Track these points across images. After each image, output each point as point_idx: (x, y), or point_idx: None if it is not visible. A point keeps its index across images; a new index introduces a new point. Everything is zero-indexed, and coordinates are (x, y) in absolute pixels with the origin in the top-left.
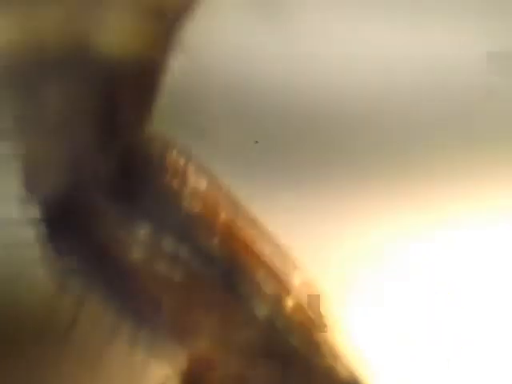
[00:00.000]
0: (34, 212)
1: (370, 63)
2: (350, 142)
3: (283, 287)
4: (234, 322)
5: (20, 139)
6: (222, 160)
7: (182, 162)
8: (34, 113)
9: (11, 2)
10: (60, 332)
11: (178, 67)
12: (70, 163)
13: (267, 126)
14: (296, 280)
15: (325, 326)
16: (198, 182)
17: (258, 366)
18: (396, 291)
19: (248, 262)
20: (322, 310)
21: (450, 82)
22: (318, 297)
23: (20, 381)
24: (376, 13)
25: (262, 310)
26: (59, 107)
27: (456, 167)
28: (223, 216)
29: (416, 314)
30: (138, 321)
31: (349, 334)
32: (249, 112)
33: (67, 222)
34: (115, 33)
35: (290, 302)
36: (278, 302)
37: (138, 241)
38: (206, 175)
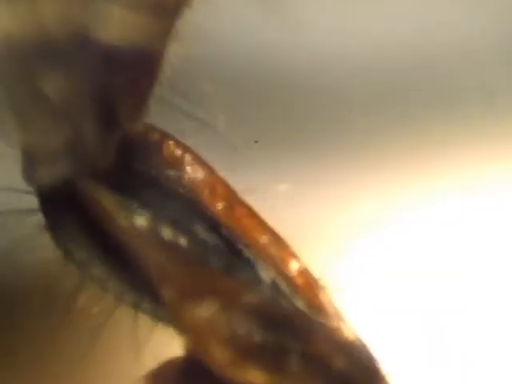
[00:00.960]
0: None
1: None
2: (342, 117)
3: (287, 251)
4: (239, 287)
5: (18, 128)
6: (221, 149)
7: (179, 152)
8: (31, 102)
9: None
10: (62, 301)
11: (175, 56)
12: (68, 153)
13: (266, 112)
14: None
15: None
16: (195, 172)
17: (262, 328)
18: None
19: (251, 229)
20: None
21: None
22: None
23: (20, 351)
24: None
25: (266, 274)
26: (57, 96)
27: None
28: (221, 205)
29: (415, 285)
30: (141, 292)
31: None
32: (247, 100)
33: (65, 211)
34: (115, 24)
35: (294, 265)
36: (282, 265)
37: (138, 229)
38: (204, 165)
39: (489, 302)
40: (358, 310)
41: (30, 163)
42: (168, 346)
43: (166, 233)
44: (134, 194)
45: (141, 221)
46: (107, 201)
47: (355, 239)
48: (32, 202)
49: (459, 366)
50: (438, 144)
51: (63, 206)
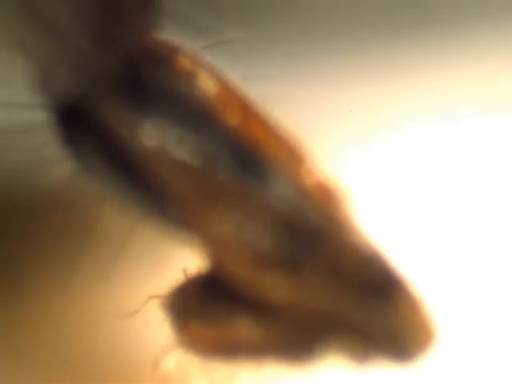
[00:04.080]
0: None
1: None
2: (347, 23)
3: (304, 164)
4: (254, 202)
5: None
6: (235, 62)
7: (191, 66)
8: (29, 19)
9: None
10: (82, 219)
11: None
12: (74, 66)
13: (280, 21)
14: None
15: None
16: (209, 86)
17: (280, 242)
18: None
19: (267, 143)
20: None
21: None
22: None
23: (40, 270)
24: None
25: (283, 188)
26: (55, 11)
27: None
28: (236, 119)
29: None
30: (161, 209)
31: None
32: (259, 10)
33: (81, 128)
34: None
35: (311, 178)
36: (299, 178)
37: (147, 148)
38: (218, 79)
39: (494, 197)
40: (371, 219)
41: (41, 80)
42: (189, 263)
43: (177, 151)
44: (145, 110)
45: (150, 140)
46: (116, 119)
47: (369, 144)
48: (44, 117)
49: (478, 268)
50: (452, 51)
51: (79, 123)
